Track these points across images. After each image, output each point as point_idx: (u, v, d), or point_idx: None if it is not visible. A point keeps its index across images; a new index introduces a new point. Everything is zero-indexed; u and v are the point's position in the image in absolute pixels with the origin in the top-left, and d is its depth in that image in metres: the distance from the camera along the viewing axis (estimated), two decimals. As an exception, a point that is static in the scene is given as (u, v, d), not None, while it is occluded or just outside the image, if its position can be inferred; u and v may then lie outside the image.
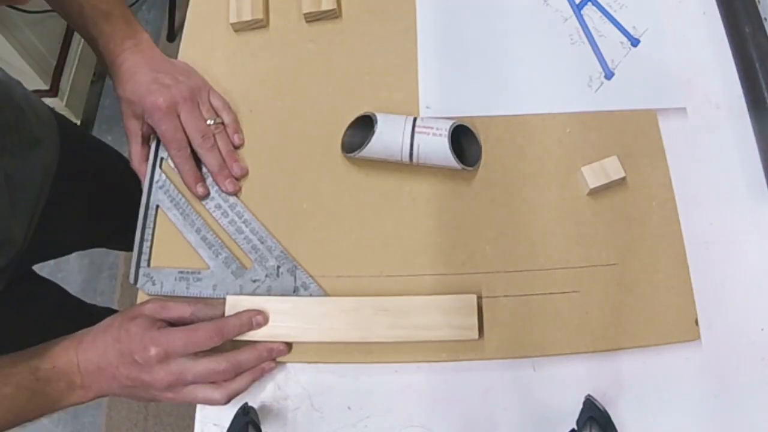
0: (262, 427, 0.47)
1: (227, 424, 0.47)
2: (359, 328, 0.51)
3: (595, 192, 0.56)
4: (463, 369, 0.52)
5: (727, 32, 0.62)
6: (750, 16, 0.60)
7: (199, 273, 0.55)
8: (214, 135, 0.58)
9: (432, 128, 0.55)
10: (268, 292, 0.54)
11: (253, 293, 0.54)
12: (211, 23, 0.66)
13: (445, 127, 0.55)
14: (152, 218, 0.57)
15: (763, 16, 0.60)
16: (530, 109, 0.60)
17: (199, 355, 0.49)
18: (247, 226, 0.56)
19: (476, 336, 0.51)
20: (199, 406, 0.52)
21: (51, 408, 0.49)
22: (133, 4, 1.75)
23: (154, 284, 0.55)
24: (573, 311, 0.52)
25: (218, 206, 0.57)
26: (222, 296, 0.53)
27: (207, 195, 0.58)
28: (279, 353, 0.52)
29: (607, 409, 0.45)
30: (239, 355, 0.50)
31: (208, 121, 0.58)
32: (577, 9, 0.64)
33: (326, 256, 0.55)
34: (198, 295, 0.54)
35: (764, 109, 0.57)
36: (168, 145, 0.57)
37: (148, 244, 0.56)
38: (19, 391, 0.47)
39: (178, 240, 0.56)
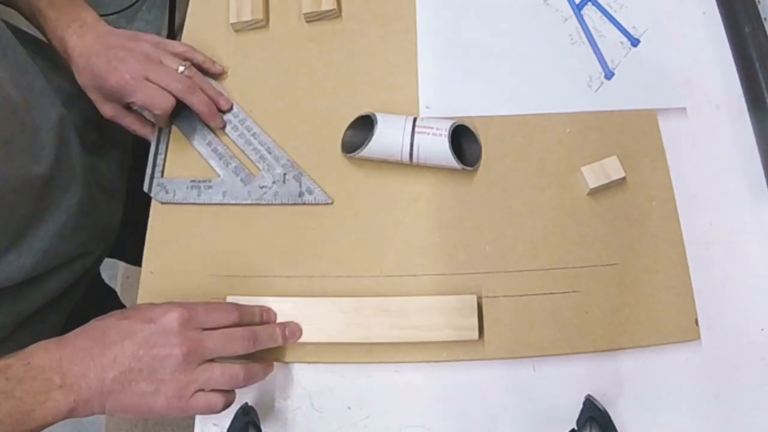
0: (262, 427, 0.47)
1: (227, 424, 0.47)
2: (360, 328, 0.51)
3: (595, 192, 0.56)
4: (463, 369, 0.52)
5: (727, 32, 0.62)
6: (750, 16, 0.60)
7: (209, 182, 0.58)
8: (189, 78, 0.58)
9: (432, 128, 0.55)
10: (275, 198, 0.57)
11: (260, 199, 0.57)
12: (211, 23, 0.66)
13: (445, 127, 0.55)
14: (166, 133, 0.60)
15: (763, 16, 0.60)
16: (530, 109, 0.60)
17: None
18: (255, 138, 0.59)
19: (476, 336, 0.51)
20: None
21: (23, 420, 0.40)
22: (133, 4, 1.75)
23: (167, 192, 0.58)
24: (573, 311, 0.52)
25: (228, 121, 0.60)
26: (231, 202, 0.57)
27: (224, 126, 0.60)
28: (292, 334, 0.51)
29: (607, 409, 0.45)
30: (255, 327, 0.49)
31: (180, 68, 0.58)
32: (577, 9, 0.64)
33: (326, 256, 0.55)
34: (209, 202, 0.57)
35: (764, 109, 0.57)
36: (153, 107, 0.56)
37: (162, 157, 0.59)
38: None
39: (190, 152, 0.60)
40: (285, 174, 0.58)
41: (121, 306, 0.95)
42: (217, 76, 0.62)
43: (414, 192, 0.57)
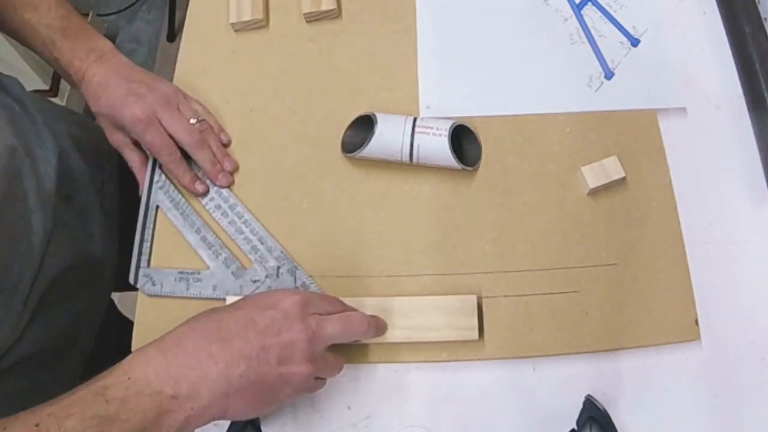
0: (262, 427, 0.47)
1: (227, 423, 0.47)
2: (359, 328, 0.51)
3: (595, 192, 0.56)
4: (463, 369, 0.52)
5: (727, 32, 0.62)
6: (750, 16, 0.60)
7: (199, 273, 0.55)
8: (200, 132, 0.57)
9: (432, 128, 0.55)
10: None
11: (251, 294, 0.54)
12: (211, 23, 0.66)
13: (445, 127, 0.55)
14: (152, 219, 0.57)
15: (763, 16, 0.60)
16: (530, 109, 0.60)
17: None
18: (247, 227, 0.56)
19: (476, 336, 0.51)
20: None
21: None
22: (133, 4, 1.75)
23: (154, 284, 0.54)
24: (573, 311, 0.52)
25: (218, 206, 0.57)
26: (222, 297, 0.53)
27: (207, 192, 0.57)
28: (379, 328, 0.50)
29: (607, 409, 0.45)
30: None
31: (192, 120, 0.57)
32: (577, 9, 0.64)
33: (326, 256, 0.55)
34: (198, 296, 0.54)
35: (764, 109, 0.57)
36: (157, 154, 0.56)
37: (148, 244, 0.56)
38: (84, 423, 0.35)
39: (178, 240, 0.56)
40: (279, 267, 0.54)
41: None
42: (222, 143, 0.60)
43: (414, 192, 0.57)
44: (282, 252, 0.55)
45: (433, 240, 0.56)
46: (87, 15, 1.58)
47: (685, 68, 0.61)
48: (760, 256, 0.55)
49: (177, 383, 0.37)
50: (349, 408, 0.51)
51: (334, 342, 0.45)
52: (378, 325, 0.50)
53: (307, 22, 0.65)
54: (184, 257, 0.56)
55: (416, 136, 0.55)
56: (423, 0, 0.65)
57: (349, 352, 0.52)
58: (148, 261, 0.56)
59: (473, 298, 0.52)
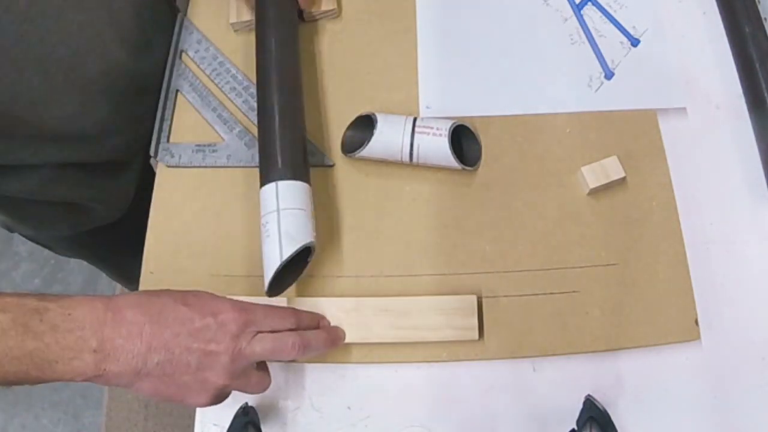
0: (262, 427, 0.47)
1: (227, 424, 0.47)
2: (360, 328, 0.51)
3: (595, 192, 0.56)
4: (463, 369, 0.52)
5: (727, 32, 0.62)
6: (750, 16, 0.60)
7: (214, 145, 0.59)
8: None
9: (432, 128, 0.55)
10: None
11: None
12: (211, 23, 0.66)
13: (445, 127, 0.55)
14: (172, 100, 0.62)
15: (763, 16, 0.60)
16: (530, 109, 0.60)
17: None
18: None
19: (476, 336, 0.51)
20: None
21: (41, 366, 0.37)
22: (133, 4, 1.75)
23: (173, 156, 0.59)
24: (573, 311, 0.52)
25: (233, 88, 0.62)
26: (235, 165, 0.58)
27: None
28: (335, 342, 0.49)
29: (607, 409, 0.45)
30: (308, 335, 0.47)
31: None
32: (577, 9, 0.64)
33: (326, 256, 0.55)
34: (213, 165, 0.59)
35: (764, 109, 0.57)
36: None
37: (168, 123, 0.61)
38: (14, 325, 0.37)
39: (196, 118, 0.61)
40: None
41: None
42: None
43: (414, 192, 0.57)
44: None
45: (433, 240, 0.56)
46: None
47: (685, 68, 0.61)
48: (760, 256, 0.55)
49: (102, 342, 0.39)
50: (349, 408, 0.51)
51: (260, 360, 0.45)
52: (334, 339, 0.49)
53: (307, 22, 0.65)
54: (201, 132, 0.61)
55: (416, 136, 0.55)
56: (423, 0, 0.65)
57: (350, 352, 0.52)
58: (168, 137, 0.60)
59: (473, 298, 0.52)
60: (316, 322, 0.50)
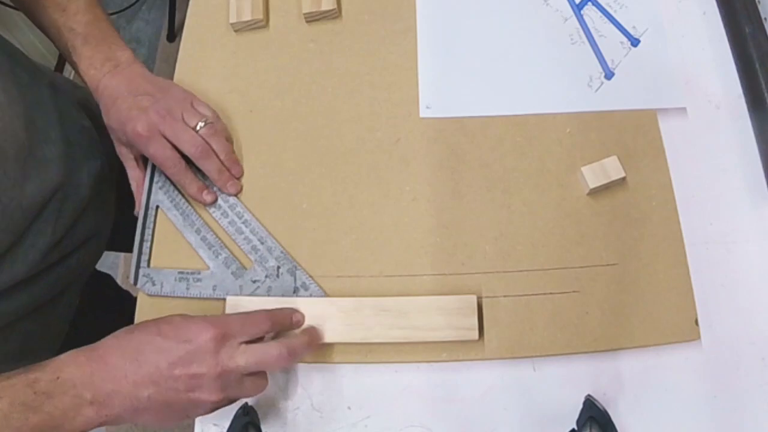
0: (262, 427, 0.47)
1: (227, 424, 0.47)
2: (360, 328, 0.51)
3: (595, 192, 0.56)
4: (463, 369, 0.52)
5: (727, 32, 0.62)
6: (750, 16, 0.60)
7: (199, 273, 0.55)
8: (206, 140, 0.56)
9: None
10: (268, 293, 0.54)
11: (253, 294, 0.54)
12: (211, 23, 0.66)
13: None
14: (152, 218, 0.57)
15: (763, 16, 0.60)
16: (530, 109, 0.60)
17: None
18: (246, 227, 0.56)
19: (476, 336, 0.51)
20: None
21: None
22: (133, 4, 1.75)
23: (154, 284, 0.54)
24: (573, 311, 0.52)
25: (218, 207, 0.57)
26: (222, 297, 0.53)
27: (215, 201, 0.57)
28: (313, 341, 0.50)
29: (607, 409, 0.45)
30: (293, 343, 0.48)
31: (198, 125, 0.55)
32: (577, 9, 0.64)
33: (326, 256, 0.55)
34: (198, 296, 0.54)
35: (764, 109, 0.57)
36: (162, 167, 0.56)
37: (148, 244, 0.56)
38: (12, 408, 0.39)
39: (178, 240, 0.56)
40: (279, 267, 0.54)
41: (119, 290, 0.94)
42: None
43: (414, 192, 0.57)
44: (282, 252, 0.55)
45: (433, 240, 0.56)
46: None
47: (685, 68, 0.61)
48: (760, 256, 0.55)
49: (96, 392, 0.41)
50: (349, 408, 0.51)
51: (248, 372, 0.45)
52: (313, 338, 0.50)
53: (307, 22, 0.65)
54: (185, 257, 0.56)
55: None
56: (423, 0, 0.65)
57: (350, 351, 0.52)
58: (148, 261, 0.56)
59: (473, 298, 0.52)
60: (290, 318, 0.50)
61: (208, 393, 0.44)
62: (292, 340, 0.48)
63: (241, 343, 0.45)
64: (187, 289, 0.54)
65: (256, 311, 0.49)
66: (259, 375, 0.47)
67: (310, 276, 0.54)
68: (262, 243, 0.55)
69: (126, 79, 0.56)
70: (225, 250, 0.55)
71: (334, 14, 0.65)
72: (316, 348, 0.51)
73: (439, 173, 0.58)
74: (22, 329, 0.58)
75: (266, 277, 0.54)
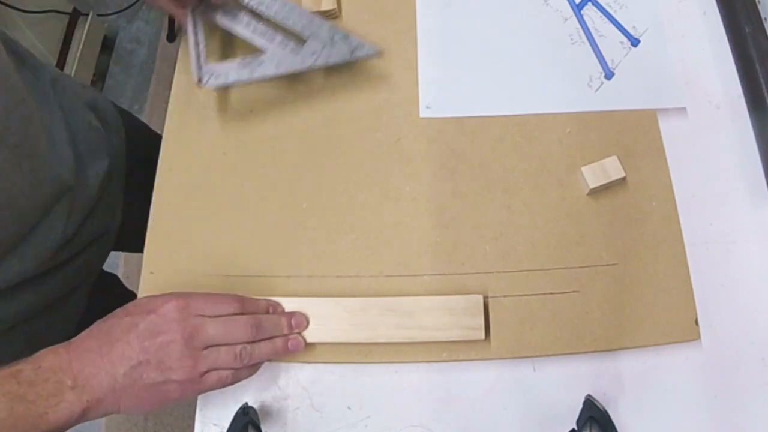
0: (262, 427, 0.47)
1: (227, 424, 0.47)
2: (365, 328, 0.51)
3: (595, 192, 0.56)
4: (463, 369, 0.52)
5: (727, 32, 0.62)
6: (750, 16, 0.60)
7: (260, 56, 0.57)
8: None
9: None
10: (329, 59, 0.57)
11: (314, 64, 0.57)
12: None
13: None
14: (201, 26, 0.58)
15: (763, 16, 0.60)
16: (530, 109, 0.60)
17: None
18: (293, 11, 0.58)
19: (482, 336, 0.50)
20: (199, 405, 0.52)
21: (37, 423, 0.40)
22: (133, 4, 1.75)
23: (218, 77, 0.56)
24: (573, 311, 0.52)
25: (261, 2, 0.58)
26: (285, 73, 0.56)
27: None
28: (299, 325, 0.51)
29: (607, 409, 0.45)
30: (259, 315, 0.49)
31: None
32: (577, 9, 0.64)
33: (326, 256, 0.55)
34: (263, 76, 0.56)
35: (764, 109, 0.57)
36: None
37: (203, 45, 0.57)
38: None
39: (230, 38, 0.60)
40: (332, 37, 0.57)
41: (125, 290, 0.96)
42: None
43: (414, 192, 0.57)
44: (331, 25, 0.58)
45: (433, 240, 0.56)
46: (87, 15, 1.58)
47: (685, 68, 0.61)
48: (760, 256, 0.55)
49: (75, 376, 0.42)
50: (349, 408, 0.51)
51: (218, 343, 0.46)
52: (298, 323, 0.50)
53: (307, 22, 0.65)
54: (241, 49, 0.58)
55: None
56: (423, 0, 0.65)
57: (350, 352, 0.52)
58: (206, 60, 0.57)
59: (479, 298, 0.51)
60: (266, 308, 0.51)
61: (179, 359, 0.44)
62: (261, 316, 0.49)
63: (207, 317, 0.46)
64: (252, 73, 0.56)
65: (225, 293, 0.50)
66: (238, 344, 0.47)
67: (359, 36, 0.57)
68: (310, 22, 0.58)
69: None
70: (278, 34, 0.57)
71: (334, 14, 0.65)
72: (293, 331, 0.51)
73: (439, 173, 0.58)
74: (28, 330, 0.59)
75: (323, 47, 0.57)
